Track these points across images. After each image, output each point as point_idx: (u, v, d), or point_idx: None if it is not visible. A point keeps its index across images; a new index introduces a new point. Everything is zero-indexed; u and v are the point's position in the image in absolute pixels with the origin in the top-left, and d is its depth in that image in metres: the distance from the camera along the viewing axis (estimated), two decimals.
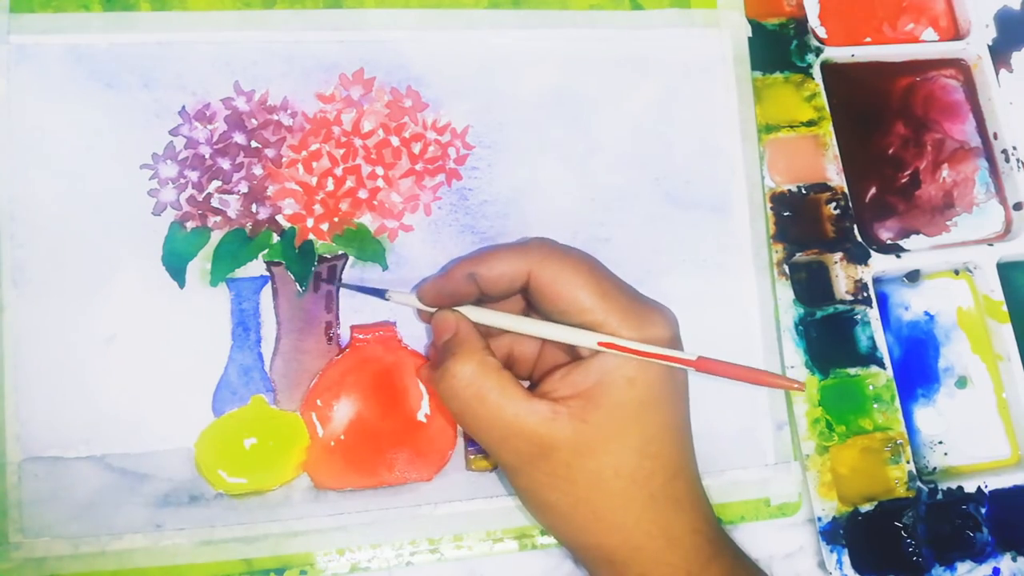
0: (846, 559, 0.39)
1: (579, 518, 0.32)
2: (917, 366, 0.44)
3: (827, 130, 0.44)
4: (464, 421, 0.32)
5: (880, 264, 0.43)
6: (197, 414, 0.36)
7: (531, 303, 0.34)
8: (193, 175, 0.37)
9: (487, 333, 0.34)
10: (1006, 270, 0.45)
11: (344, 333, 0.38)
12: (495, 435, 0.31)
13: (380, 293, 0.36)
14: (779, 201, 0.43)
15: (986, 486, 0.42)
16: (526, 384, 0.34)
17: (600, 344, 0.31)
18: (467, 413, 0.32)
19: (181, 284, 0.37)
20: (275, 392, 0.37)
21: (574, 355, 0.33)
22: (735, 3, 0.44)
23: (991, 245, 0.45)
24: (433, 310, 0.34)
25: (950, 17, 0.48)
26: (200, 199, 0.37)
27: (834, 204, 0.43)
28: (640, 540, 0.31)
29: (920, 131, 0.46)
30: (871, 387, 0.41)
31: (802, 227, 0.43)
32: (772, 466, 0.40)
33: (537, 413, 0.31)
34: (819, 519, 0.40)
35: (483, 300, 0.34)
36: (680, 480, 0.32)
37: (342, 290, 0.38)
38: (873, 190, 0.46)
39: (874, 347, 0.42)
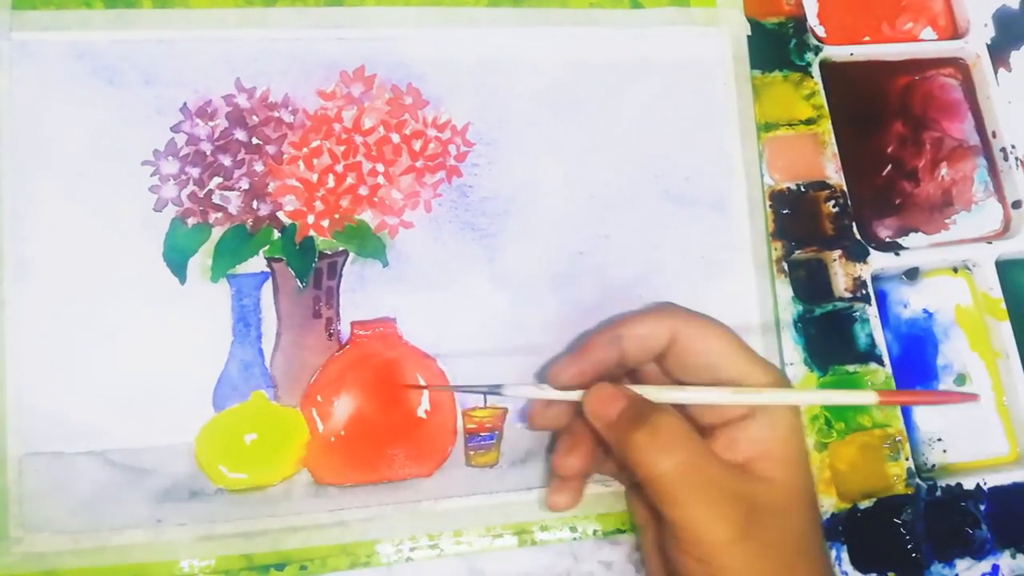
0: (845, 556, 0.39)
1: None
2: (916, 363, 0.44)
3: (826, 128, 0.44)
4: (671, 489, 0.29)
5: (879, 262, 0.43)
6: (198, 409, 0.36)
7: (667, 367, 0.33)
8: (194, 171, 0.38)
9: None
10: (1005, 268, 0.45)
11: (344, 329, 0.38)
12: (708, 500, 0.29)
13: (496, 390, 0.34)
14: (778, 199, 0.43)
15: (985, 483, 0.42)
16: None
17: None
18: (677, 481, 0.29)
19: (182, 280, 0.37)
20: (275, 388, 0.37)
21: (703, 422, 0.32)
22: (734, 2, 0.44)
23: (990, 243, 0.45)
24: (564, 396, 0.32)
25: (949, 16, 0.48)
26: (201, 195, 0.37)
27: (833, 202, 0.43)
28: None
29: (919, 130, 0.47)
30: (870, 384, 0.41)
31: (801, 225, 0.43)
32: None
33: (741, 475, 0.29)
34: None
35: (615, 376, 0.33)
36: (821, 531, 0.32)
37: (343, 287, 0.38)
38: (872, 188, 0.46)
39: (873, 344, 0.42)
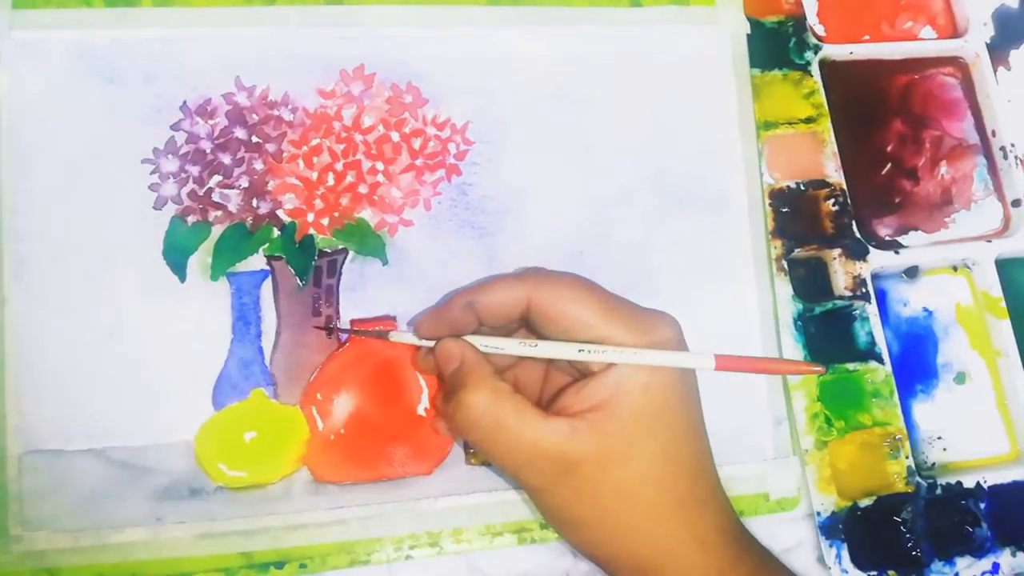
0: (845, 554, 0.39)
1: (608, 531, 0.31)
2: (916, 362, 0.44)
3: (826, 127, 0.44)
4: (485, 448, 0.32)
5: (879, 260, 0.43)
6: (197, 407, 0.36)
7: (533, 329, 0.34)
8: (194, 170, 0.38)
9: (493, 364, 0.33)
10: (1004, 266, 0.45)
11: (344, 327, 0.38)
12: (518, 459, 0.31)
13: (383, 335, 0.35)
14: (778, 197, 0.43)
15: (985, 481, 0.42)
16: None
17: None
18: (487, 441, 0.31)
19: (182, 278, 0.37)
20: (275, 386, 0.37)
21: (583, 374, 0.32)
22: (734, 1, 0.44)
23: (989, 242, 0.45)
24: (432, 344, 0.34)
25: (948, 15, 0.49)
26: (201, 194, 0.38)
27: (833, 200, 0.43)
28: (670, 545, 0.31)
29: (918, 128, 0.47)
30: (870, 382, 0.41)
31: (801, 223, 0.43)
32: (771, 461, 0.40)
33: (557, 431, 0.30)
34: (818, 514, 0.40)
35: (482, 332, 0.34)
36: (703, 481, 0.32)
37: (342, 286, 0.38)
38: (871, 187, 0.46)
39: (873, 343, 0.42)
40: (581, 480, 0.30)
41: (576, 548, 0.33)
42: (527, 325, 0.34)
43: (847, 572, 0.39)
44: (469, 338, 0.33)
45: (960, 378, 0.44)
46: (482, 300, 0.32)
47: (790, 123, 0.44)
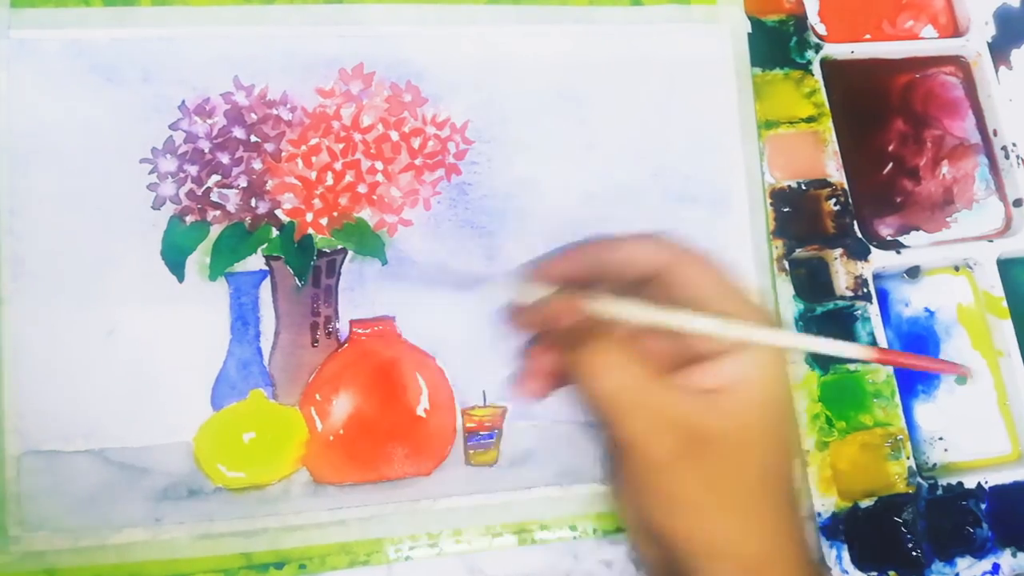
0: (846, 555, 0.39)
1: (726, 519, 0.28)
2: None
3: (827, 126, 0.44)
4: (612, 405, 0.28)
5: (880, 260, 0.43)
6: (196, 408, 0.36)
7: (649, 296, 0.30)
8: (192, 169, 0.37)
9: None
10: (1006, 266, 0.45)
11: (343, 327, 0.38)
12: (647, 424, 0.28)
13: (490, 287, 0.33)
14: (779, 197, 0.43)
15: (986, 482, 0.42)
16: None
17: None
18: (616, 397, 0.28)
19: (180, 278, 0.37)
20: (274, 386, 0.37)
21: (695, 353, 0.30)
22: None
23: (991, 241, 0.45)
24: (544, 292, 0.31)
25: (949, 14, 0.48)
26: (199, 193, 0.37)
27: (834, 200, 0.43)
28: (781, 542, 0.29)
29: (920, 128, 0.47)
30: (871, 383, 0.41)
31: (802, 223, 0.43)
32: None
33: (691, 402, 0.28)
34: (819, 514, 0.39)
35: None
36: (792, 482, 0.30)
37: (341, 286, 0.38)
38: (873, 186, 0.45)
39: (874, 343, 0.42)
40: (711, 458, 0.28)
41: (672, 539, 0.29)
42: (643, 289, 0.31)
43: (848, 573, 0.39)
44: (601, 303, 0.30)
45: (961, 379, 0.44)
46: (617, 249, 0.30)
47: (791, 122, 0.44)
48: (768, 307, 0.30)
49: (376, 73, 0.40)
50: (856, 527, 0.40)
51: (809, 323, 0.42)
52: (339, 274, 0.38)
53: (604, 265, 0.31)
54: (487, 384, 0.38)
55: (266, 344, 0.37)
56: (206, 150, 0.38)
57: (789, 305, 0.41)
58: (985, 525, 0.41)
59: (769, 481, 0.29)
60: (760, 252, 0.42)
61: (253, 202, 0.38)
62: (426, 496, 0.37)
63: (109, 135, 0.37)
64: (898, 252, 0.44)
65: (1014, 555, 0.41)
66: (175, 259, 0.37)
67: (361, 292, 0.38)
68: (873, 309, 0.42)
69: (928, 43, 0.47)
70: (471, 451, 0.38)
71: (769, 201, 0.42)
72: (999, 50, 0.47)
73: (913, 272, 0.45)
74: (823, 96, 0.44)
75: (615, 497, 0.32)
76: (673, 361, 0.30)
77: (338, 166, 0.38)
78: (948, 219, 0.46)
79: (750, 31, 0.44)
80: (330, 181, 0.38)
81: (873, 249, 0.43)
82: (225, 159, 0.38)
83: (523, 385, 0.33)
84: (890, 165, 0.46)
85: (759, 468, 0.29)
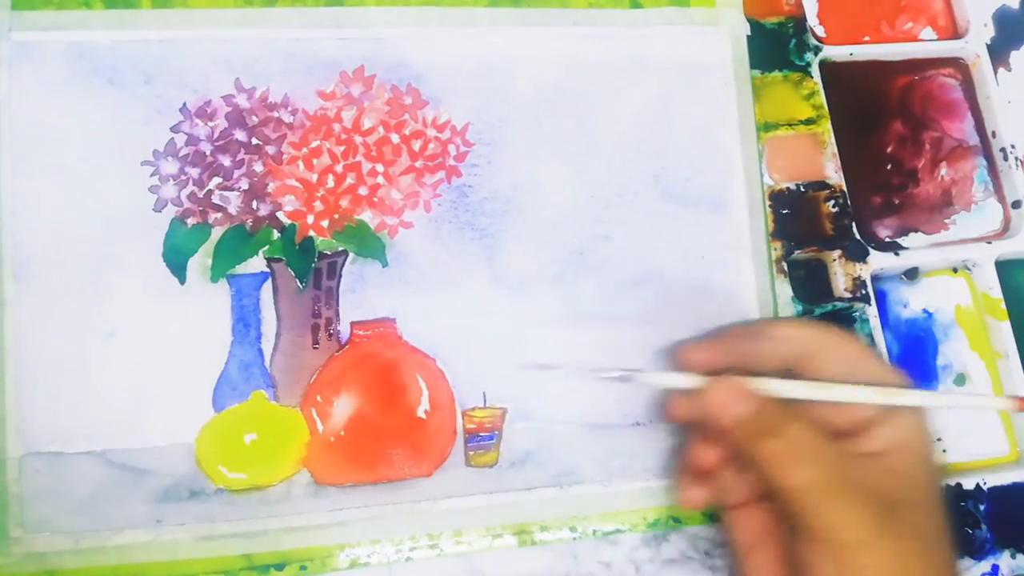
0: None
1: None
2: (916, 363, 0.44)
3: (826, 128, 0.44)
4: (811, 498, 0.29)
5: (878, 262, 0.43)
6: (197, 410, 0.36)
7: (797, 376, 0.32)
8: (194, 172, 0.38)
9: None
10: (1004, 268, 0.45)
11: (344, 329, 0.38)
12: (844, 500, 0.28)
13: (630, 378, 0.33)
14: (778, 199, 0.43)
15: (985, 483, 0.42)
16: None
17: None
18: (818, 488, 0.29)
19: (182, 280, 0.37)
20: (275, 388, 0.37)
21: (834, 426, 0.31)
22: (734, 2, 0.44)
23: (989, 243, 0.45)
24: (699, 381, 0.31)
25: (948, 16, 0.48)
26: (201, 196, 0.38)
27: (832, 202, 0.43)
28: None
29: (918, 129, 0.47)
30: None
31: (801, 225, 0.43)
32: None
33: (874, 469, 0.29)
34: None
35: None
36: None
37: (342, 287, 0.38)
38: (871, 188, 0.46)
39: (873, 344, 0.42)
40: (904, 526, 0.28)
41: None
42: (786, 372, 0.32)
43: None
44: (782, 382, 0.31)
45: (960, 380, 0.44)
46: (775, 332, 0.31)
47: (790, 124, 0.44)
48: (901, 373, 0.32)
49: (377, 76, 0.40)
50: None
51: None
52: (340, 276, 0.38)
53: (750, 351, 0.31)
54: (487, 385, 0.38)
55: (267, 346, 0.37)
56: (207, 152, 0.38)
57: (788, 307, 0.42)
58: (984, 526, 0.41)
59: (938, 533, 0.30)
60: (759, 254, 0.42)
61: (254, 204, 0.38)
62: (426, 497, 0.37)
63: (110, 137, 0.37)
64: (896, 254, 0.44)
65: (1013, 556, 0.41)
66: (177, 261, 0.37)
67: (362, 294, 0.38)
68: (871, 311, 0.42)
69: (927, 45, 0.47)
70: (471, 452, 0.38)
71: (768, 203, 0.43)
72: (998, 52, 0.48)
73: (911, 274, 0.45)
74: (822, 98, 0.44)
75: (752, 573, 0.32)
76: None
77: (339, 168, 0.39)
78: (947, 221, 0.46)
79: (749, 33, 0.44)
80: (331, 183, 0.38)
81: (871, 251, 0.43)
82: (226, 161, 0.38)
83: (687, 494, 0.33)
84: (889, 167, 0.46)
85: (930, 523, 0.30)
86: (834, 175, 0.44)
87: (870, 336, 0.42)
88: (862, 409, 0.31)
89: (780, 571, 0.32)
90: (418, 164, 0.39)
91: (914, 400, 0.31)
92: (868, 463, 0.29)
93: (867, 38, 0.47)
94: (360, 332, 0.38)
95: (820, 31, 0.47)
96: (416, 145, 0.40)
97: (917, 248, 0.45)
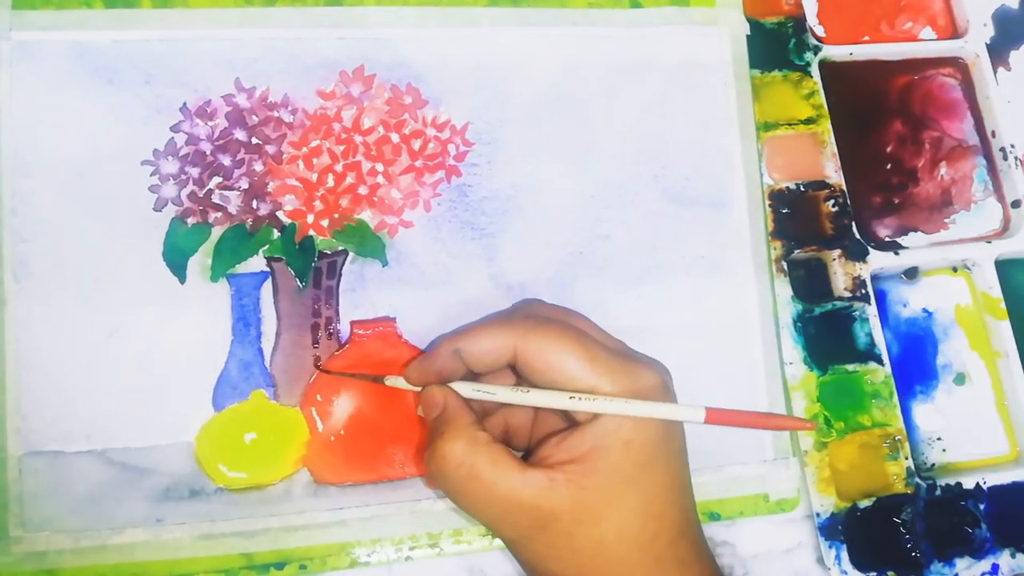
0: (844, 555, 0.39)
1: None
2: (916, 363, 0.44)
3: (825, 128, 0.44)
4: (458, 501, 0.31)
5: (878, 261, 0.43)
6: (197, 409, 0.36)
7: (521, 375, 0.33)
8: (194, 171, 0.38)
9: (483, 407, 0.34)
10: (1004, 267, 0.45)
11: (344, 328, 0.38)
12: (492, 512, 0.30)
13: (379, 380, 0.35)
14: (778, 198, 0.43)
15: (985, 482, 0.42)
16: (521, 455, 0.33)
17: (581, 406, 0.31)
18: (460, 493, 0.31)
19: (182, 279, 0.37)
20: (275, 387, 0.37)
21: (571, 422, 0.32)
22: (734, 2, 0.44)
23: (989, 242, 0.45)
24: (419, 389, 0.34)
25: (948, 16, 0.48)
26: (201, 195, 0.38)
27: (832, 201, 0.43)
28: None
29: (918, 129, 0.47)
30: (870, 383, 0.41)
31: (800, 224, 0.43)
32: (771, 462, 0.40)
33: (533, 484, 0.30)
34: (817, 515, 0.40)
35: (474, 376, 0.33)
36: (684, 540, 0.32)
37: (342, 287, 0.38)
38: (871, 188, 0.46)
39: (872, 344, 0.42)
40: (556, 534, 0.30)
41: None
42: (515, 371, 0.33)
43: (847, 573, 0.39)
44: (460, 383, 0.33)
45: (960, 379, 0.44)
46: (468, 348, 0.32)
47: (790, 124, 0.44)
48: (635, 376, 0.31)
49: (377, 75, 0.40)
50: (855, 528, 0.40)
51: (808, 324, 0.42)
52: (340, 275, 0.38)
53: (464, 358, 0.32)
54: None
55: (267, 345, 0.37)
56: (207, 152, 0.38)
57: (788, 306, 0.42)
58: (984, 525, 0.41)
59: (630, 547, 0.30)
60: (759, 253, 0.42)
61: (254, 204, 0.38)
62: (426, 496, 0.37)
63: (111, 137, 0.37)
64: (896, 253, 0.44)
65: (1013, 555, 0.41)
66: (177, 260, 0.37)
67: (362, 293, 0.38)
68: (871, 310, 0.42)
69: (927, 45, 0.47)
70: None
71: (768, 202, 0.43)
72: (997, 51, 0.48)
73: (911, 273, 0.45)
74: (822, 98, 0.44)
75: None
76: (538, 433, 0.34)
77: (339, 168, 0.39)
78: (946, 220, 0.46)
79: (749, 33, 0.44)
80: (331, 183, 0.38)
81: (871, 250, 0.43)
82: (226, 161, 0.38)
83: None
84: (888, 166, 0.46)
85: (614, 536, 0.30)
86: (834, 175, 0.44)
87: (869, 336, 0.42)
88: (576, 413, 0.31)
89: None
90: (418, 164, 0.39)
91: (593, 407, 0.30)
92: (539, 476, 0.30)
93: (867, 38, 0.47)
94: (360, 331, 0.38)
95: (820, 31, 0.47)
96: (416, 145, 0.40)
97: (917, 247, 0.45)
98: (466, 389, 0.33)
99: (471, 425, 0.31)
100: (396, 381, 0.35)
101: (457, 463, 0.30)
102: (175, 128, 0.38)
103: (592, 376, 0.31)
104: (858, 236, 0.43)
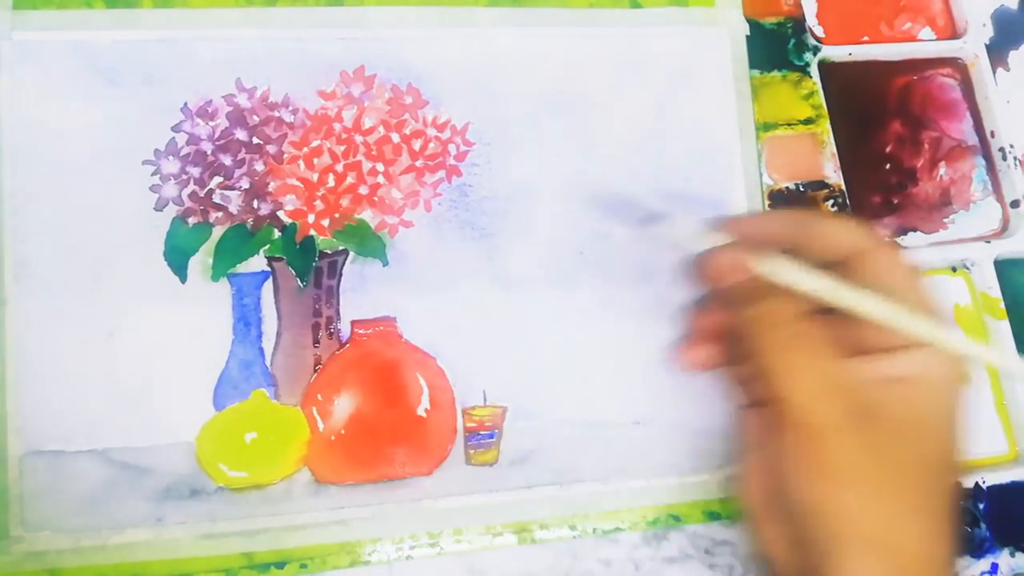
0: None
1: (889, 503, 0.27)
2: None
3: (825, 128, 0.44)
4: (781, 359, 0.28)
5: None
6: (198, 408, 0.36)
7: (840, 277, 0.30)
8: (195, 171, 0.38)
9: None
10: (1003, 267, 0.45)
11: (345, 328, 0.38)
12: (813, 387, 0.27)
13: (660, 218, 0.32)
14: (777, 199, 0.43)
15: (984, 482, 0.42)
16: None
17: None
18: (788, 351, 0.28)
19: (183, 279, 0.37)
20: (276, 386, 0.37)
21: (866, 343, 0.30)
22: (733, 2, 0.44)
23: (988, 242, 0.45)
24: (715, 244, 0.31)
25: (947, 16, 0.49)
26: (202, 195, 0.38)
27: (832, 202, 0.43)
28: (928, 544, 0.28)
29: (917, 129, 0.47)
30: None
31: None
32: None
33: (867, 375, 0.28)
34: None
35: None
36: (952, 503, 0.29)
37: (343, 287, 0.38)
38: (870, 188, 0.46)
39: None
40: (882, 433, 0.27)
41: (820, 516, 0.27)
42: (831, 271, 0.31)
43: None
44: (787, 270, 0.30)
45: None
46: (818, 225, 0.30)
47: (789, 124, 0.44)
48: (946, 313, 0.30)
49: (377, 75, 0.40)
50: None
51: None
52: (340, 275, 0.38)
53: (800, 236, 0.30)
54: (487, 384, 0.38)
55: (268, 344, 0.37)
56: (208, 152, 0.38)
57: None
58: (983, 525, 0.41)
59: (936, 481, 0.28)
60: None
61: (255, 203, 0.38)
62: (427, 496, 0.37)
63: (111, 137, 0.37)
64: None
65: (1012, 555, 0.41)
66: (178, 260, 0.37)
67: (362, 293, 0.38)
68: None
69: (926, 45, 0.47)
70: (471, 451, 0.38)
71: (767, 203, 0.43)
72: (997, 52, 0.48)
73: None
74: (821, 98, 0.44)
75: (745, 474, 0.31)
76: (845, 350, 0.30)
77: (339, 168, 0.39)
78: (945, 220, 0.46)
79: (748, 33, 0.44)
80: (331, 183, 0.38)
81: None
82: (227, 161, 0.38)
83: (684, 353, 0.33)
84: (887, 166, 0.46)
85: (927, 464, 0.28)
86: (833, 175, 0.44)
87: None
88: (881, 334, 0.29)
89: (766, 474, 0.31)
90: (418, 163, 0.40)
91: (925, 332, 0.29)
92: (873, 378, 0.28)
93: (866, 38, 0.47)
94: (361, 331, 0.38)
95: (819, 31, 0.47)
96: (416, 144, 0.40)
97: (916, 247, 0.45)
98: (796, 272, 0.30)
99: (801, 310, 0.29)
100: (680, 227, 0.32)
101: (793, 317, 0.28)
102: (176, 128, 0.38)
103: (928, 307, 0.29)
104: None
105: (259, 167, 0.38)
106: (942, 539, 0.28)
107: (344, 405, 0.37)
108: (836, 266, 0.31)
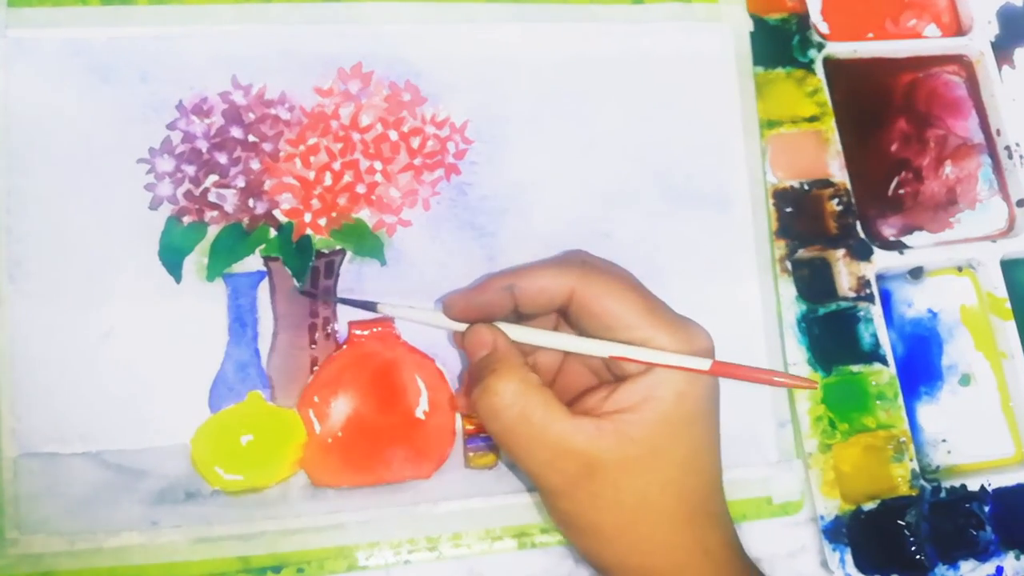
0: (849, 558, 0.39)
1: (622, 539, 0.31)
2: (920, 363, 0.44)
3: (829, 126, 0.44)
4: (506, 442, 0.31)
5: (883, 261, 0.43)
6: (193, 410, 0.36)
7: (570, 320, 0.33)
8: (190, 169, 0.37)
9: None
10: (1009, 267, 0.44)
11: (342, 329, 0.37)
12: (540, 457, 0.30)
13: (372, 307, 0.34)
14: (781, 197, 0.42)
15: (989, 484, 0.41)
16: None
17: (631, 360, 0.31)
18: (511, 434, 0.30)
19: (178, 279, 0.37)
20: (272, 388, 0.37)
21: (605, 374, 0.32)
22: None
23: (994, 242, 0.44)
24: (462, 328, 0.33)
25: (953, 13, 0.48)
26: (197, 194, 0.37)
27: (836, 200, 0.43)
28: (682, 558, 0.31)
29: (923, 127, 0.46)
30: (874, 384, 0.41)
31: (804, 223, 0.42)
32: (774, 464, 0.40)
33: (583, 431, 0.29)
34: (822, 518, 0.39)
35: (515, 318, 0.33)
36: (717, 495, 0.32)
37: (340, 287, 0.38)
38: (875, 186, 0.45)
39: (877, 344, 0.42)
40: (602, 484, 0.30)
41: (584, 556, 0.33)
42: (564, 315, 0.33)
43: None
44: (503, 327, 0.32)
45: (965, 380, 0.44)
46: (523, 286, 0.31)
47: (793, 122, 0.43)
48: (689, 330, 0.31)
49: (375, 72, 0.39)
50: (859, 530, 0.39)
51: (812, 324, 0.41)
52: (338, 275, 0.38)
53: (517, 296, 0.32)
54: None
55: (264, 346, 0.37)
56: (204, 150, 0.37)
57: (791, 306, 0.41)
58: (989, 528, 0.41)
59: (672, 499, 0.30)
60: (762, 252, 0.41)
61: (251, 202, 0.37)
62: (425, 499, 0.37)
63: (106, 135, 0.37)
64: (901, 253, 0.43)
65: (1017, 558, 0.41)
66: (172, 260, 0.37)
67: (360, 293, 0.38)
68: (876, 310, 0.42)
69: (931, 42, 0.47)
70: (470, 454, 0.37)
71: (771, 201, 0.42)
72: (1002, 49, 0.47)
73: (916, 273, 0.44)
74: (826, 95, 0.44)
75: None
76: (564, 382, 0.34)
77: (336, 166, 0.38)
78: (951, 219, 0.46)
79: (752, 30, 0.43)
80: (328, 181, 0.38)
81: (876, 250, 0.43)
82: (223, 159, 0.37)
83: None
84: (893, 164, 0.46)
85: (659, 487, 0.30)
86: (838, 173, 0.43)
87: (874, 336, 0.42)
88: (625, 364, 0.31)
89: None
90: (417, 162, 0.39)
91: (642, 357, 0.30)
92: (588, 422, 0.30)
93: (871, 35, 0.47)
94: (358, 332, 0.37)
95: (824, 28, 0.46)
96: (415, 142, 0.39)
97: (922, 247, 0.44)
98: (515, 332, 0.32)
99: (523, 367, 0.31)
100: (424, 315, 0.34)
101: (509, 403, 0.30)
102: (171, 126, 0.37)
103: (650, 328, 0.31)
104: (863, 235, 0.43)
105: (255, 165, 0.38)
106: (703, 550, 0.31)
107: (341, 407, 0.37)
108: (568, 312, 0.32)
